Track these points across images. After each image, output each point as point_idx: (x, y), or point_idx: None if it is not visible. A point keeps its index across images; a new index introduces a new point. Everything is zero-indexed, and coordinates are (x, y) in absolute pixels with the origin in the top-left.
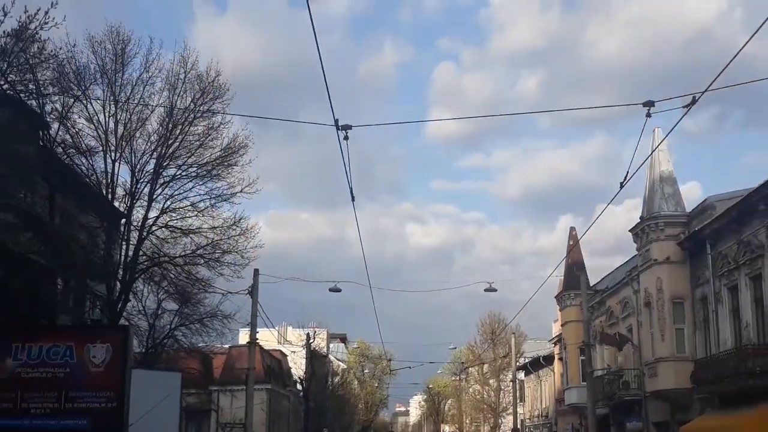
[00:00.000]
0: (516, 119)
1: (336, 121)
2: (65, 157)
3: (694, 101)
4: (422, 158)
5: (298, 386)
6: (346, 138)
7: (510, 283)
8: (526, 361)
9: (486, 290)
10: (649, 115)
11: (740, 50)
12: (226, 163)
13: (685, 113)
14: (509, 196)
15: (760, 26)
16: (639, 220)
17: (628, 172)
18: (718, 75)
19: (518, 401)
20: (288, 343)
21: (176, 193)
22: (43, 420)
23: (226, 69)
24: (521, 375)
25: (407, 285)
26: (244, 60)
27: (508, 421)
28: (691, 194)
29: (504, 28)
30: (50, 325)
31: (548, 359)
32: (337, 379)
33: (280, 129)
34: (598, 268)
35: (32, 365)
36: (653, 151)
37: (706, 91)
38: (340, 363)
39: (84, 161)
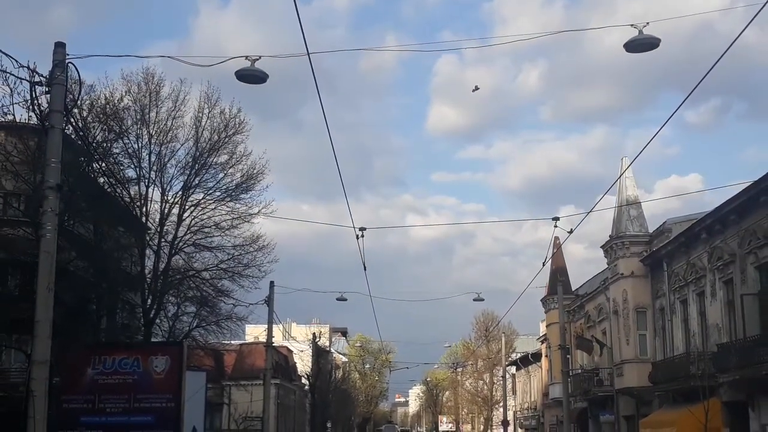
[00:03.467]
0: (517, 111)
1: (355, 227)
2: (107, 185)
3: (590, 211)
4: (423, 150)
5: (304, 380)
6: (361, 236)
7: (510, 275)
8: (517, 357)
9: (475, 300)
10: (556, 226)
11: (728, 48)
12: (245, 186)
13: (582, 220)
14: (509, 187)
15: (753, 17)
16: (608, 238)
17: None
18: (706, 74)
19: (510, 394)
20: (293, 339)
21: (202, 214)
22: (116, 417)
23: (230, 62)
24: (513, 370)
25: (407, 278)
26: (247, 53)
27: (501, 413)
28: (693, 186)
29: (506, 22)
30: (122, 342)
31: (536, 356)
32: (339, 373)
33: (281, 121)
34: (598, 260)
35: (107, 373)
36: (619, 178)
37: (598, 201)
38: (342, 357)
39: (121, 188)
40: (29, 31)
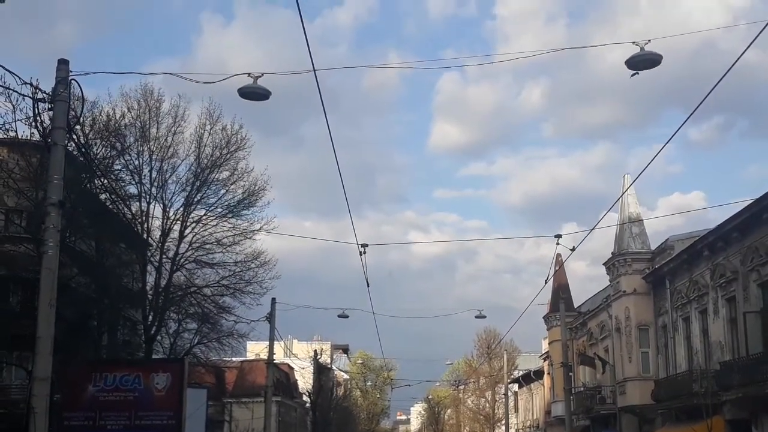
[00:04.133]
0: (520, 128)
1: (358, 243)
2: (108, 202)
3: (592, 228)
4: (425, 167)
5: (305, 398)
6: (364, 253)
7: (512, 292)
8: (519, 374)
9: (477, 317)
10: (558, 243)
11: (729, 70)
12: (247, 202)
13: (584, 238)
14: (512, 204)
15: (754, 40)
16: (611, 256)
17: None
18: (706, 96)
19: (512, 412)
20: (294, 356)
21: (203, 230)
22: None
23: (233, 80)
24: (515, 387)
25: (410, 294)
26: (249, 70)
27: (503, 431)
28: (696, 204)
29: (509, 40)
30: (123, 359)
31: (539, 373)
32: (340, 390)
33: (283, 137)
34: (600, 277)
35: (108, 390)
36: (621, 195)
37: (599, 222)
38: (343, 374)
39: (123, 204)
40: (33, 48)
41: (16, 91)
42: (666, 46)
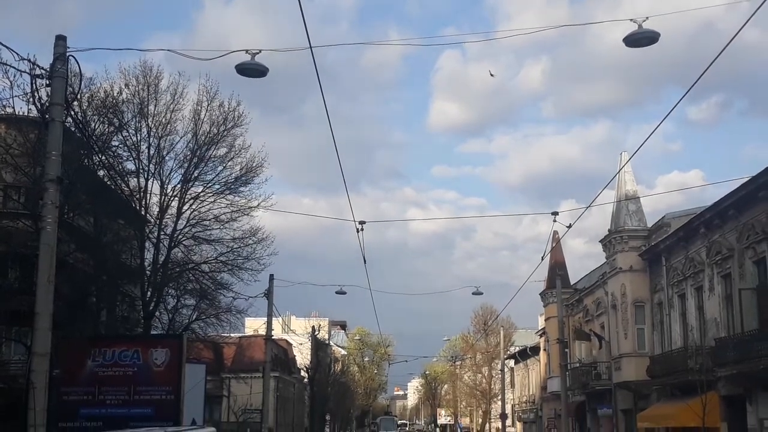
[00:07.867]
0: (519, 106)
1: (355, 220)
2: (106, 178)
3: (588, 206)
4: (424, 144)
5: (303, 373)
6: (361, 230)
7: (509, 269)
8: (516, 350)
9: (474, 294)
10: (555, 220)
11: (728, 44)
12: (244, 179)
13: (580, 215)
14: (510, 181)
15: (753, 14)
16: (607, 233)
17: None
18: (705, 71)
19: (508, 388)
20: (292, 332)
21: (201, 207)
22: (116, 409)
23: (232, 57)
24: (511, 363)
25: (408, 271)
26: (251, 48)
27: (499, 407)
28: (695, 182)
29: (510, 18)
30: (122, 334)
31: (535, 350)
32: (338, 366)
33: (283, 115)
34: (598, 254)
35: (107, 365)
36: (618, 172)
37: (595, 198)
38: (341, 350)
39: (121, 180)
40: (33, 26)
41: (13, 67)
42: (666, 26)
